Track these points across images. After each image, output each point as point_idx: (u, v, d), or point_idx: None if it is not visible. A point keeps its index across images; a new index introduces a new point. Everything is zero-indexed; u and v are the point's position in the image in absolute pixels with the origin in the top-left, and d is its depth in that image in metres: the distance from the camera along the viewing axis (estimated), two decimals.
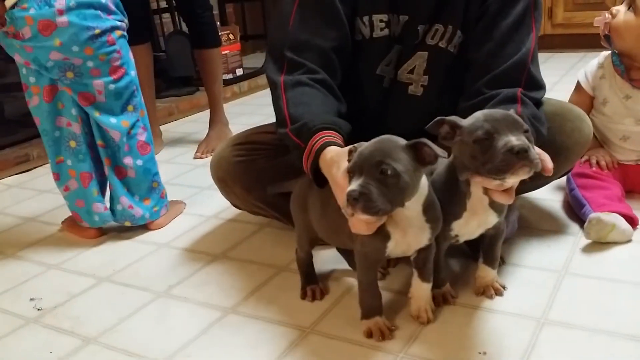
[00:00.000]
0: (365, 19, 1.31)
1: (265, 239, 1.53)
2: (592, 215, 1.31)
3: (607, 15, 1.51)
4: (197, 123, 2.85)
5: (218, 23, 3.58)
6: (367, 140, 1.00)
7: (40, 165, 2.34)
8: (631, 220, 1.34)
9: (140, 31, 2.25)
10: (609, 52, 1.55)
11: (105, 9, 1.47)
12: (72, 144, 1.56)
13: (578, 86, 1.60)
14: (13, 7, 1.40)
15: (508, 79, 1.23)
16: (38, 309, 1.30)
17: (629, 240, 1.32)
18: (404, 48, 1.33)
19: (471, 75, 1.27)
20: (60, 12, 1.41)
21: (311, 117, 1.16)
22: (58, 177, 1.60)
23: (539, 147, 1.04)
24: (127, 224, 1.61)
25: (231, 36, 3.37)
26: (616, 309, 1.10)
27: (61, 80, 1.49)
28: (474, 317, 1.08)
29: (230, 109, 2.89)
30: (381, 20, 1.31)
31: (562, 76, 2.90)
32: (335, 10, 1.28)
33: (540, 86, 1.26)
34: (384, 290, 1.23)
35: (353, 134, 1.47)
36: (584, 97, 1.58)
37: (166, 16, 3.41)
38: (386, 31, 1.31)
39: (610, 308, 1.10)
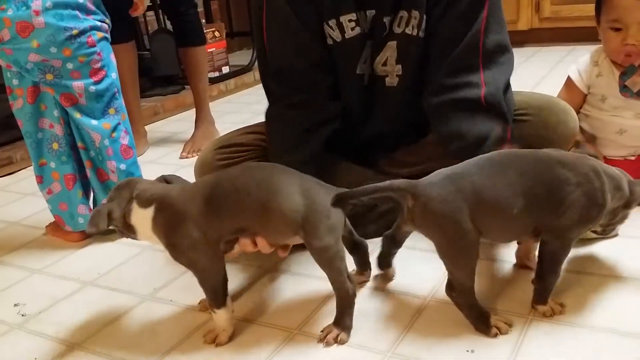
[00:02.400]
0: (332, 22, 1.30)
1: None
2: None
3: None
4: (182, 122, 2.83)
5: (203, 20, 3.56)
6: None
7: (24, 168, 2.31)
8: None
9: (123, 30, 2.22)
10: (600, 47, 1.54)
11: (83, 9, 1.45)
12: (55, 146, 1.54)
13: (569, 83, 1.57)
14: None
15: (464, 63, 1.25)
16: (22, 315, 1.28)
17: (615, 235, 1.32)
18: (375, 42, 1.33)
19: (430, 62, 1.28)
20: (37, 13, 1.38)
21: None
22: (41, 179, 1.58)
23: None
24: (111, 227, 1.59)
25: (217, 33, 3.34)
26: (603, 305, 1.10)
27: (42, 81, 1.47)
28: (461, 315, 1.07)
29: (216, 107, 2.87)
30: (350, 20, 1.30)
31: (550, 70, 2.90)
32: (300, 29, 1.29)
33: (502, 52, 1.27)
34: (375, 289, 1.22)
35: (342, 137, 1.47)
36: (576, 94, 1.56)
37: (150, 14, 3.38)
38: (358, 30, 1.31)
39: (597, 304, 1.10)
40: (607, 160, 1.52)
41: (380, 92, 1.38)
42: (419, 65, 1.35)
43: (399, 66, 1.34)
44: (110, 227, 1.11)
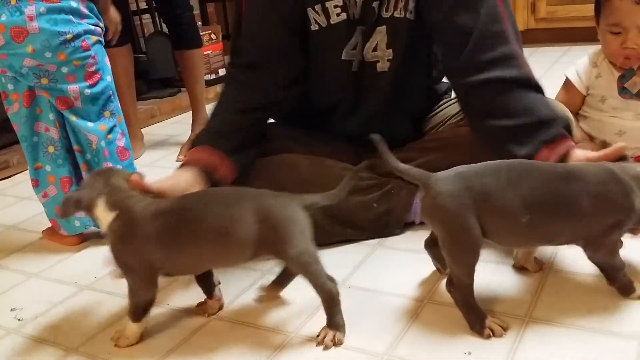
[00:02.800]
0: (318, 7, 1.31)
1: None
2: None
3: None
4: (179, 125, 2.82)
5: (199, 23, 3.55)
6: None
7: (20, 172, 2.30)
8: None
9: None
10: (600, 48, 1.54)
11: (77, 13, 1.45)
12: (51, 149, 1.54)
13: (568, 85, 1.57)
14: None
15: (494, 36, 1.23)
16: (19, 319, 1.27)
17: None
18: (366, 28, 1.33)
19: (447, 42, 1.26)
20: (31, 19, 1.38)
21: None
22: (37, 183, 1.58)
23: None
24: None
25: (213, 36, 3.34)
26: (601, 306, 1.10)
27: (37, 86, 1.47)
28: (458, 317, 1.08)
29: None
30: (336, 6, 1.31)
31: (546, 70, 2.91)
32: (277, 22, 1.33)
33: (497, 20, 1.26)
34: (374, 292, 1.22)
35: (332, 126, 1.47)
36: (574, 96, 1.56)
37: (146, 17, 3.38)
38: (344, 15, 1.31)
39: (594, 305, 1.10)
40: None
41: (370, 78, 1.38)
42: (409, 48, 1.35)
43: (390, 50, 1.35)
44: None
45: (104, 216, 1.08)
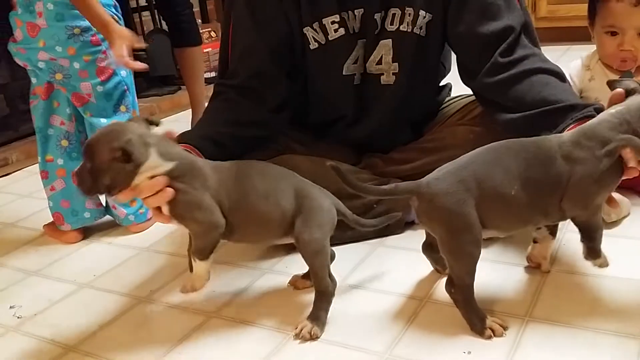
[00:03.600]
0: (315, 25, 1.31)
1: None
2: None
3: None
4: (179, 123, 2.81)
5: (199, 20, 3.55)
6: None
7: (20, 169, 2.30)
8: None
9: None
10: (593, 51, 1.53)
11: None
12: (64, 142, 1.56)
13: None
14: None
15: (513, 40, 1.24)
16: (18, 317, 1.27)
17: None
18: (368, 40, 1.32)
19: (469, 49, 1.27)
20: (40, 15, 1.42)
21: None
22: (46, 175, 1.60)
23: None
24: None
25: (213, 34, 3.34)
26: (600, 305, 1.10)
27: (53, 81, 1.51)
28: (458, 316, 1.07)
29: None
30: (333, 22, 1.30)
31: None
32: (260, 50, 1.32)
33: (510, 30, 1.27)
34: (374, 291, 1.22)
35: (336, 136, 1.47)
36: None
37: (146, 14, 3.37)
38: (342, 30, 1.31)
39: (594, 304, 1.10)
40: None
41: (375, 91, 1.38)
42: (417, 62, 1.35)
43: (396, 64, 1.34)
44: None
45: (157, 165, 1.03)
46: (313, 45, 1.33)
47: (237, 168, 1.12)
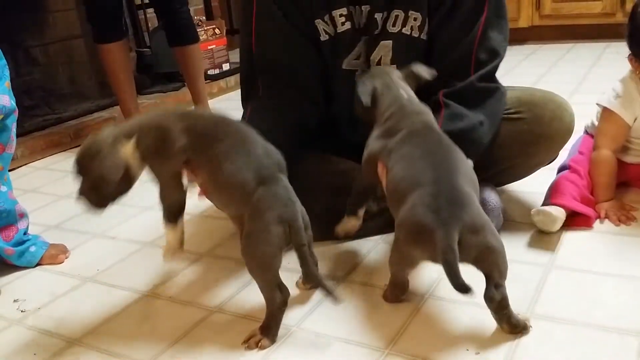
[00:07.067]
0: (326, 17, 1.31)
1: None
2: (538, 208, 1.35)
3: None
4: None
5: (203, 17, 3.56)
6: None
7: (24, 165, 2.31)
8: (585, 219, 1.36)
9: (113, 28, 2.21)
10: (627, 76, 1.43)
11: None
12: None
13: (612, 116, 1.42)
14: None
15: (456, 70, 1.27)
16: (22, 311, 1.28)
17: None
18: (370, 38, 1.33)
19: (431, 64, 1.28)
20: None
21: None
22: None
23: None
24: None
25: (217, 30, 3.34)
26: (602, 302, 1.10)
27: None
28: (459, 312, 1.08)
29: (216, 104, 2.87)
30: (341, 15, 1.31)
31: (550, 67, 2.89)
32: (291, 30, 1.32)
33: (493, 57, 1.28)
34: (376, 287, 1.23)
35: (341, 135, 1.47)
36: (621, 126, 1.42)
37: (150, 11, 3.37)
38: (348, 24, 1.31)
39: (595, 301, 1.10)
40: (626, 165, 1.48)
41: None
42: None
43: (394, 66, 1.34)
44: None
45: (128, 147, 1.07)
46: (323, 37, 1.33)
47: (215, 124, 1.11)
